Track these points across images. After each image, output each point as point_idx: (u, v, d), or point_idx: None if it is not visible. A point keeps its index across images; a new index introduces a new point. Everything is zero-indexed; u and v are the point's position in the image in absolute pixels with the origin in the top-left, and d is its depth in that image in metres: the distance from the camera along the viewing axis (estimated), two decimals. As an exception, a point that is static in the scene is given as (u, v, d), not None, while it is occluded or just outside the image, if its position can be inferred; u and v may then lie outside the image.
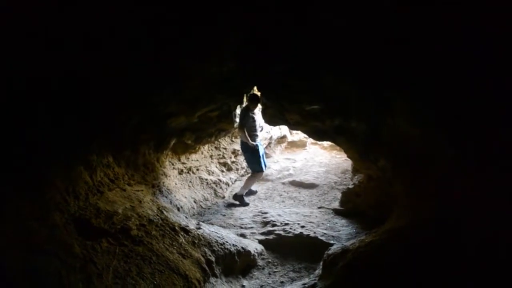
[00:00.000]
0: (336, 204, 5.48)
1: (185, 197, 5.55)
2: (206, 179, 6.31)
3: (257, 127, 5.82)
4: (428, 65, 2.48)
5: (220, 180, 6.51)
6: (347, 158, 5.71)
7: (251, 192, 6.17)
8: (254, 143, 5.70)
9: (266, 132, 7.63)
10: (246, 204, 5.78)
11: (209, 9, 2.94)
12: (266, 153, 7.59)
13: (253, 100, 5.58)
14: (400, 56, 2.68)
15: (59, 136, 3.06)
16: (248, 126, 5.63)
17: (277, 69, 4.03)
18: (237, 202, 5.85)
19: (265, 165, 6.08)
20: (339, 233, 4.53)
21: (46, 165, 3.00)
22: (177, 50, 3.36)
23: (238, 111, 5.79)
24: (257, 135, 5.82)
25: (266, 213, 5.27)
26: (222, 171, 6.83)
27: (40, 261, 2.36)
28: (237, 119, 5.79)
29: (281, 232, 4.64)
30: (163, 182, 5.11)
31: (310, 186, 6.58)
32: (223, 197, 6.22)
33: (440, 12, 2.19)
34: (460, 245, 2.29)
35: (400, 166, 3.51)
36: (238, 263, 3.93)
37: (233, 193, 6.09)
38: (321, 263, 3.50)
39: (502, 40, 1.97)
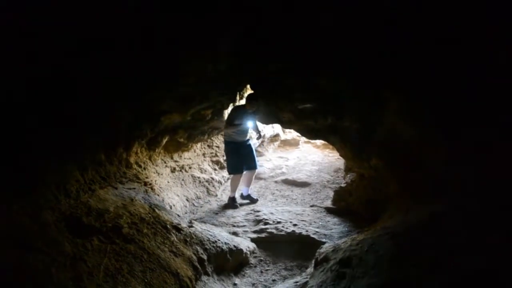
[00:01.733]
0: (328, 203, 5.49)
1: (178, 195, 5.53)
2: (199, 177, 6.29)
3: (245, 126, 5.44)
4: (426, 65, 2.49)
5: (212, 178, 6.49)
6: (340, 157, 5.72)
7: (252, 200, 5.85)
8: (239, 140, 5.45)
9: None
10: (241, 202, 5.77)
11: (205, 8, 2.93)
12: (257, 151, 7.49)
13: (252, 100, 5.21)
14: (397, 57, 2.69)
15: (51, 135, 3.02)
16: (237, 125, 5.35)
17: (272, 67, 4.03)
18: (247, 200, 5.79)
19: (242, 169, 5.67)
20: (331, 231, 4.54)
21: (38, 163, 2.97)
22: (173, 48, 3.34)
23: (230, 109, 5.73)
24: (240, 134, 5.50)
25: (258, 211, 5.27)
26: (215, 169, 6.81)
27: (30, 258, 2.33)
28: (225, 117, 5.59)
29: (274, 231, 4.64)
30: (155, 180, 5.07)
31: (303, 184, 6.59)
32: (216, 195, 6.21)
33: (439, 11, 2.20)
34: (454, 245, 2.31)
35: (393, 165, 3.53)
36: (230, 261, 3.92)
37: (226, 191, 6.03)
38: (313, 261, 3.51)
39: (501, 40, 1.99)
